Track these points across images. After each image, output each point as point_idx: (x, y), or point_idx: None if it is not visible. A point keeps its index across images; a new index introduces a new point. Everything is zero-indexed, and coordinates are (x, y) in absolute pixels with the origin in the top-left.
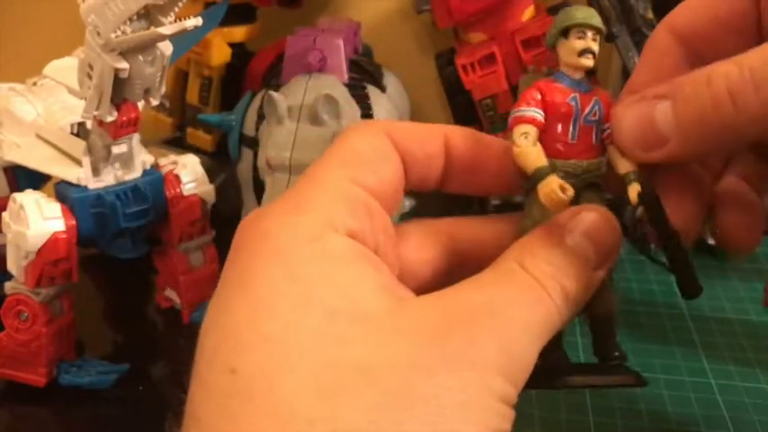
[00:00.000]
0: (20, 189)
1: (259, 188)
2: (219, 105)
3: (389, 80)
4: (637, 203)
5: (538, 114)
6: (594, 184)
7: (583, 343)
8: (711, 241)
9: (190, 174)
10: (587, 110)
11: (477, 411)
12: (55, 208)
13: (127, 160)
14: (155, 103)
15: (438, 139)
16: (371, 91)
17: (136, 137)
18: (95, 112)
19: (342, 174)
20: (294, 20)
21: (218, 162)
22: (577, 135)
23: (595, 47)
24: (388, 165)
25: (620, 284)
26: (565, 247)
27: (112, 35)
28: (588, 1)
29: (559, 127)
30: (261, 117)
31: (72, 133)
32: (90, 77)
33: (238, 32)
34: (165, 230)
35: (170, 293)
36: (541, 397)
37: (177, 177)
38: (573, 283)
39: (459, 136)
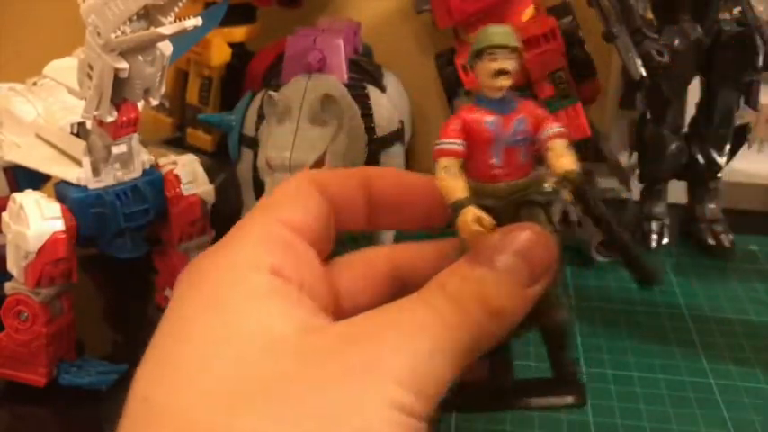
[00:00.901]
0: (20, 189)
1: (259, 188)
2: (219, 105)
3: (389, 80)
4: (572, 201)
5: (457, 146)
6: (534, 202)
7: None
8: (711, 241)
9: (190, 174)
10: (510, 131)
11: (372, 423)
12: (55, 208)
13: (127, 160)
14: (154, 103)
15: (355, 182)
16: (371, 91)
17: (136, 137)
18: (95, 113)
19: (266, 216)
20: (294, 20)
21: (218, 162)
22: (502, 158)
23: (510, 65)
24: (310, 202)
25: (619, 284)
26: (493, 266)
27: (112, 35)
28: (588, 2)
29: (483, 152)
30: (261, 117)
31: (72, 133)
32: (90, 77)
33: (238, 32)
34: (164, 230)
35: (170, 293)
36: None
37: (177, 177)
38: (502, 301)
39: (382, 176)
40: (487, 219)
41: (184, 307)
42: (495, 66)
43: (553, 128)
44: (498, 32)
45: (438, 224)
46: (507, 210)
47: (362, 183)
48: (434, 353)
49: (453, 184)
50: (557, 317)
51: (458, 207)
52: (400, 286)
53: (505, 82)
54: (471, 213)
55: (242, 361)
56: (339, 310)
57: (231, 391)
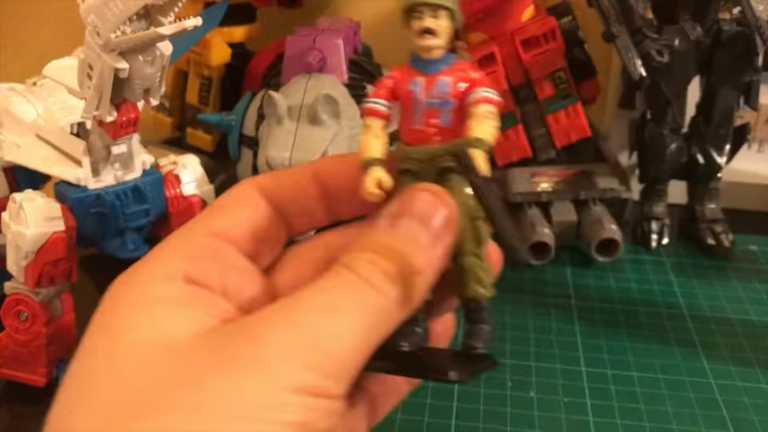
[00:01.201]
0: (20, 189)
1: None
2: (219, 105)
3: None
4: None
5: (380, 106)
6: (453, 169)
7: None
8: (711, 241)
9: (190, 174)
10: (431, 92)
11: (263, 408)
12: (55, 208)
13: (126, 160)
14: (154, 103)
15: (305, 179)
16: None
17: (136, 137)
18: (95, 113)
19: (195, 227)
20: (294, 20)
21: (218, 162)
22: (422, 120)
23: (436, 24)
24: (249, 209)
25: (619, 284)
26: (389, 232)
27: (112, 35)
28: (588, 1)
29: (407, 113)
30: (261, 117)
31: (72, 133)
32: (90, 77)
33: (238, 32)
34: (164, 231)
35: None
36: (542, 398)
37: (177, 177)
38: (400, 265)
39: (329, 166)
40: (387, 182)
41: (90, 328)
42: (419, 24)
43: (480, 92)
44: None
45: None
46: (430, 175)
47: (313, 178)
48: (335, 326)
49: (369, 142)
50: (465, 292)
51: (365, 166)
52: None
53: (430, 41)
54: (373, 174)
55: (126, 372)
56: None
57: (114, 407)
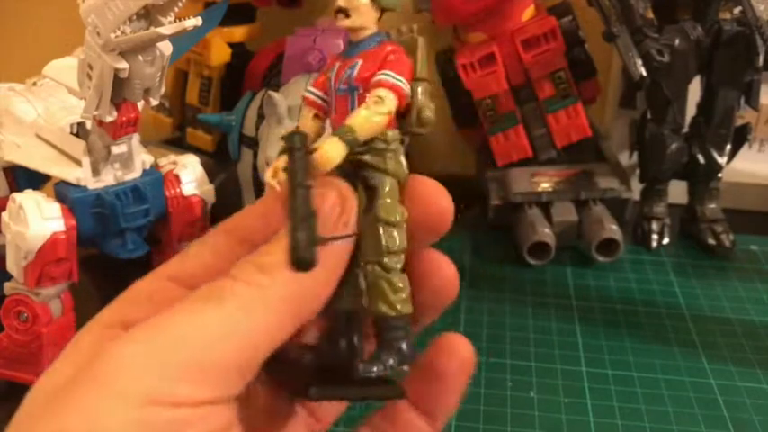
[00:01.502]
0: (19, 189)
1: (259, 188)
2: (219, 105)
3: None
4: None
5: (311, 94)
6: (373, 166)
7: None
8: (712, 241)
9: (189, 174)
10: (340, 77)
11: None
12: (55, 208)
13: (126, 160)
14: (154, 103)
15: (211, 248)
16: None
17: (136, 137)
18: (95, 112)
19: (165, 270)
20: (294, 20)
21: (218, 162)
22: (335, 107)
23: (349, 3)
24: (208, 248)
25: (620, 285)
26: (273, 235)
27: (112, 35)
28: (588, 1)
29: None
30: (261, 117)
31: (72, 133)
32: (90, 77)
33: (238, 32)
34: (164, 230)
35: None
36: (542, 398)
37: (177, 177)
38: (275, 255)
39: (241, 224)
40: (283, 175)
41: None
42: (336, 4)
43: (378, 75)
44: None
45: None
46: (353, 172)
47: (225, 239)
48: (202, 333)
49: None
50: (370, 306)
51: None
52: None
53: (343, 22)
54: (274, 165)
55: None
56: None
57: None
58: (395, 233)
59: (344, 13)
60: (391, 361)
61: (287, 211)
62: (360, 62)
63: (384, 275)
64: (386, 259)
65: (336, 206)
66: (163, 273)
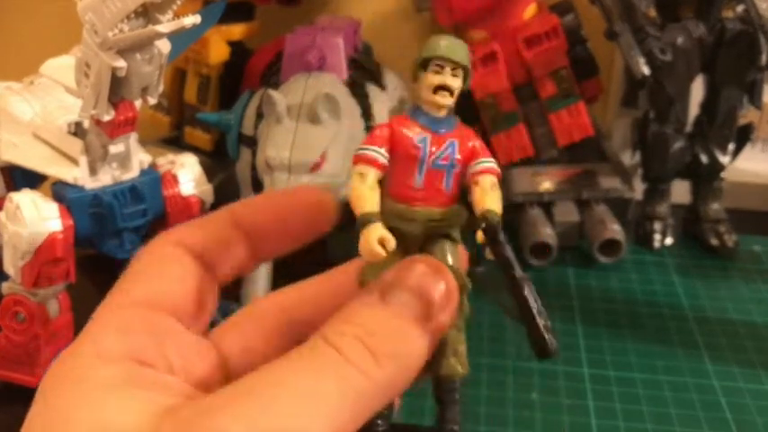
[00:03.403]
0: (17, 189)
1: (258, 188)
2: (218, 104)
3: (389, 79)
4: (483, 245)
5: (379, 155)
6: (447, 235)
7: None
8: (715, 241)
9: (188, 173)
10: (438, 153)
11: None
12: (52, 208)
13: (124, 160)
14: (152, 101)
15: (225, 224)
16: (371, 89)
17: (133, 136)
18: (92, 111)
19: (121, 299)
20: (293, 18)
21: (217, 161)
22: (423, 180)
23: (454, 83)
24: (175, 270)
25: (622, 285)
26: (380, 305)
27: (110, 33)
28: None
29: (406, 170)
30: (260, 116)
31: (69, 132)
32: (87, 76)
33: (237, 30)
34: (162, 230)
35: None
36: (544, 400)
37: (175, 177)
38: (389, 342)
39: (247, 206)
40: (392, 241)
41: (32, 421)
42: (438, 80)
43: (484, 161)
44: (449, 44)
45: (323, 230)
46: (417, 237)
47: (233, 222)
48: (315, 422)
49: (365, 194)
50: (441, 368)
51: (364, 222)
52: (299, 334)
53: (446, 99)
54: (376, 232)
55: None
56: (232, 376)
57: None
58: (465, 299)
59: (450, 91)
60: (458, 416)
61: (517, 303)
62: (457, 142)
63: (460, 337)
64: (463, 323)
65: (445, 292)
66: (135, 298)
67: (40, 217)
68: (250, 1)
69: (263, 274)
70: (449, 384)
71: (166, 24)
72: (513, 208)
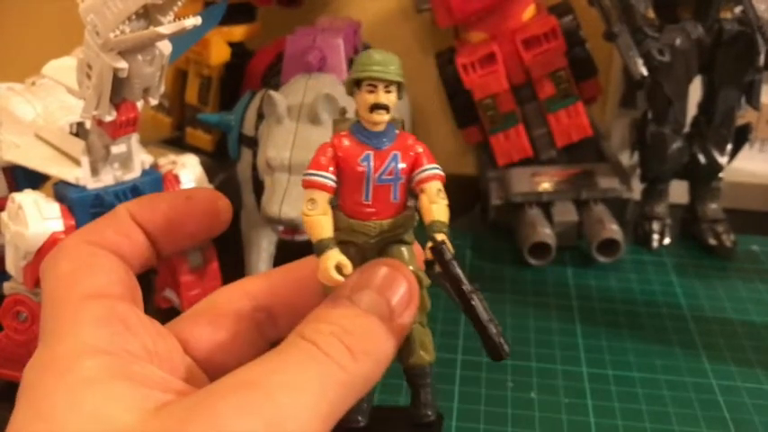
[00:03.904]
0: (19, 189)
1: (258, 188)
2: (219, 105)
3: None
4: (430, 257)
5: (327, 179)
6: (401, 240)
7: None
8: (713, 241)
9: (189, 174)
10: (381, 169)
11: None
12: (54, 208)
13: (126, 160)
14: (154, 102)
15: (125, 220)
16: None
17: (135, 136)
18: (94, 112)
19: (75, 293)
20: (294, 19)
21: (218, 162)
22: (372, 196)
23: (389, 100)
24: (107, 264)
25: (621, 285)
26: (351, 305)
27: (111, 35)
28: (589, 1)
29: (354, 187)
30: (260, 117)
31: (71, 133)
32: (89, 77)
33: (238, 32)
34: None
35: (169, 294)
36: (543, 399)
37: (176, 177)
38: (363, 341)
39: (142, 207)
40: (348, 266)
41: (17, 416)
42: (372, 99)
43: (428, 169)
44: (378, 62)
45: (218, 232)
46: (374, 247)
47: (133, 222)
48: (297, 410)
49: (319, 221)
50: (417, 356)
51: (321, 249)
52: (268, 321)
53: (382, 117)
54: (333, 260)
55: None
56: (211, 366)
57: None
58: (424, 294)
59: (386, 109)
60: (433, 400)
61: (467, 314)
62: (399, 153)
63: (424, 330)
64: (425, 317)
65: (407, 291)
66: (87, 292)
67: (41, 217)
68: (251, 2)
69: (264, 262)
70: (419, 371)
71: (167, 26)
72: (512, 208)
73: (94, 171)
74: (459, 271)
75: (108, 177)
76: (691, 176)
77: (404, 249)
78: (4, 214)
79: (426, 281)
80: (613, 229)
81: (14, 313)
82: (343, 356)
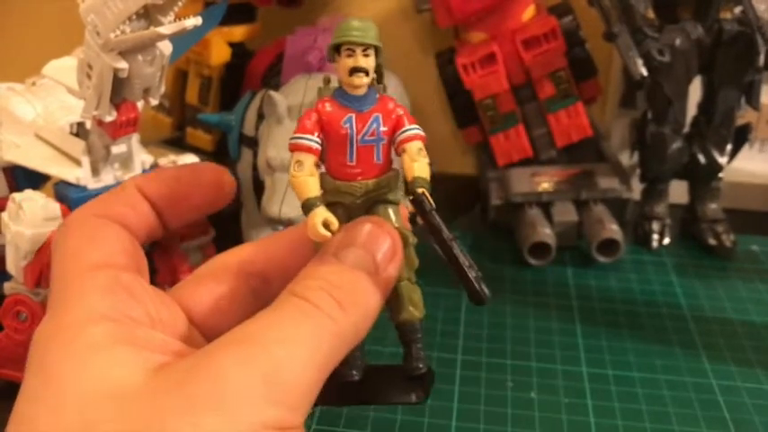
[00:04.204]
0: (19, 189)
1: (259, 188)
2: (219, 105)
3: (390, 80)
4: (412, 210)
5: (312, 142)
6: (386, 200)
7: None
8: (713, 241)
9: None
10: (364, 130)
11: None
12: (54, 208)
13: (126, 160)
14: (154, 102)
15: (134, 197)
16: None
17: (135, 137)
18: (95, 112)
19: (82, 263)
20: (294, 19)
21: (218, 162)
22: (356, 157)
23: (367, 63)
24: (113, 234)
25: (620, 285)
26: (337, 262)
27: (112, 35)
28: (589, 1)
29: (338, 149)
30: (260, 117)
31: (71, 133)
32: (89, 77)
33: (238, 32)
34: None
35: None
36: (543, 398)
37: None
38: (350, 293)
39: (149, 181)
40: (335, 223)
41: (28, 381)
42: (351, 62)
43: (409, 129)
44: (356, 28)
45: (222, 205)
46: (360, 207)
47: (140, 194)
48: (294, 356)
49: (306, 180)
50: (406, 311)
51: (308, 207)
52: (263, 286)
53: (361, 80)
54: (320, 216)
55: (90, 423)
56: (209, 330)
57: None
58: (412, 252)
59: (364, 72)
60: (424, 354)
61: (449, 261)
62: (380, 115)
63: (412, 287)
64: (413, 273)
65: (391, 246)
66: (93, 261)
67: (42, 217)
68: (251, 2)
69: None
70: (409, 327)
71: (168, 26)
72: (512, 208)
73: (95, 171)
74: (439, 221)
75: (108, 177)
76: (690, 176)
77: (389, 208)
78: (5, 214)
79: (413, 238)
80: (613, 229)
81: (15, 313)
82: (333, 309)
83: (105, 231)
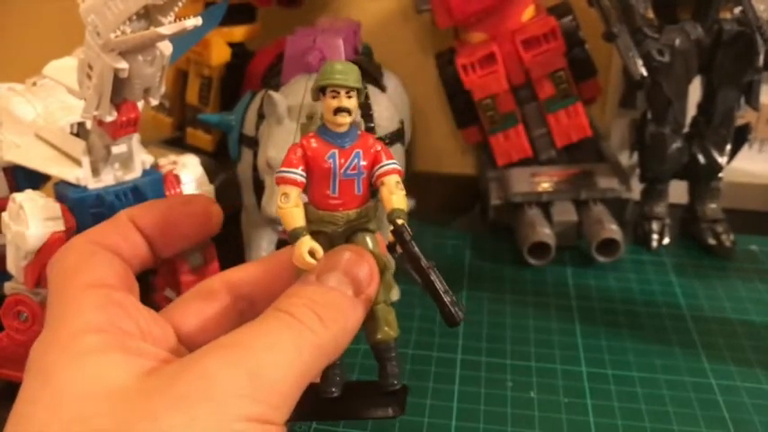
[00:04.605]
0: (19, 189)
1: (259, 188)
2: (219, 105)
3: (390, 80)
4: (392, 240)
5: (298, 176)
6: (365, 229)
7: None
8: (712, 241)
9: (189, 174)
10: (346, 165)
11: None
12: (54, 208)
13: (126, 160)
14: (154, 102)
15: (125, 224)
16: (371, 91)
17: (136, 137)
18: (95, 112)
19: (77, 282)
20: (294, 19)
21: (218, 162)
22: (338, 189)
23: (350, 104)
24: (102, 262)
25: (620, 285)
26: (320, 284)
27: (112, 35)
28: (588, 1)
29: (322, 182)
30: (261, 117)
31: (71, 133)
32: (89, 77)
33: (238, 32)
34: None
35: (169, 293)
36: (542, 398)
37: (177, 177)
38: (331, 311)
39: (142, 213)
40: (319, 251)
41: (27, 385)
42: (335, 103)
43: (387, 164)
44: (340, 71)
45: (210, 234)
46: (342, 235)
47: (132, 225)
48: (275, 361)
49: (292, 212)
50: (381, 332)
51: (295, 236)
52: (248, 308)
53: (345, 119)
54: (306, 245)
55: (83, 417)
56: (196, 348)
57: None
58: (390, 276)
59: (348, 112)
60: (398, 371)
61: (426, 287)
62: (361, 151)
63: (387, 309)
64: (389, 296)
65: (369, 271)
66: (88, 281)
67: (42, 217)
68: (251, 3)
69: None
70: (384, 346)
71: (168, 26)
72: (512, 208)
73: (95, 171)
74: (417, 250)
75: (108, 177)
76: (690, 176)
77: (367, 236)
78: (5, 214)
79: (390, 264)
80: (613, 229)
81: (15, 313)
82: (315, 323)
83: (99, 257)
